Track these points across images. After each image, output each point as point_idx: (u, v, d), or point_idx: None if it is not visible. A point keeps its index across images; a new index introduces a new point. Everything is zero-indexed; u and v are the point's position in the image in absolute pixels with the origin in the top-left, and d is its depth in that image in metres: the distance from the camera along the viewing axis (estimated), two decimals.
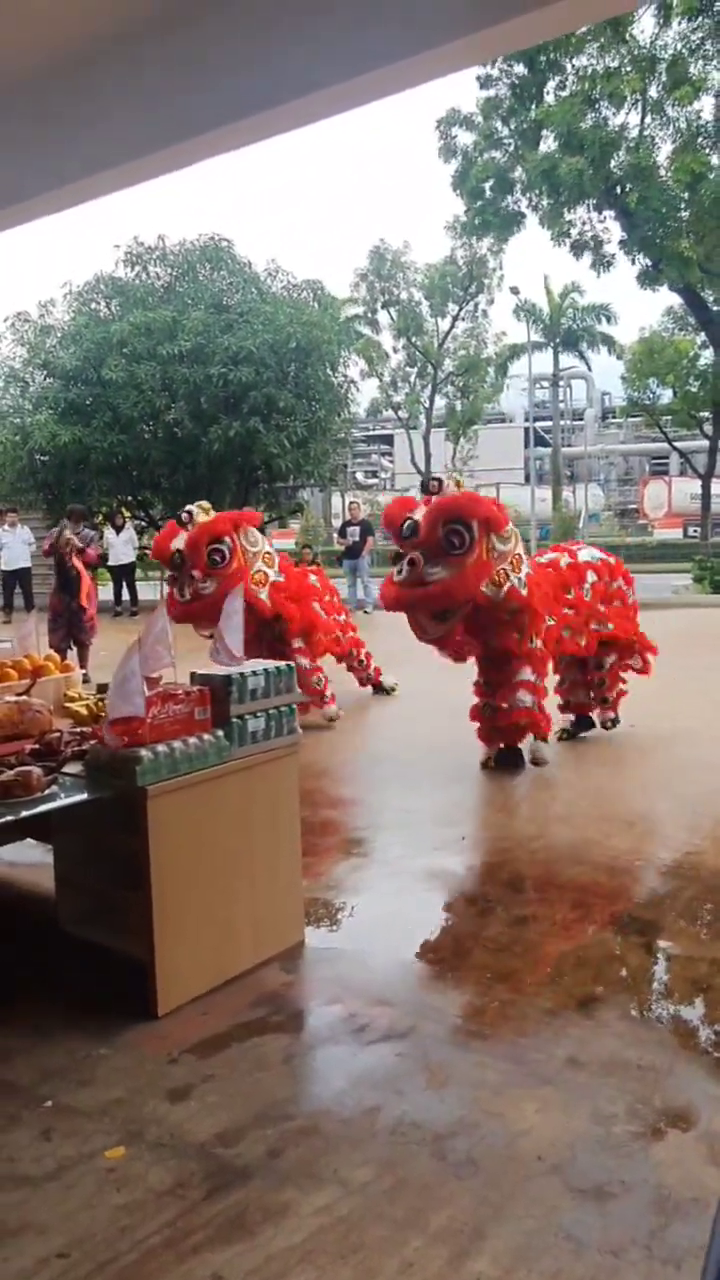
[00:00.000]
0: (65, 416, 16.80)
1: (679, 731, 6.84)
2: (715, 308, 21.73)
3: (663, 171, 18.79)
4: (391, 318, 30.89)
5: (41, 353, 17.73)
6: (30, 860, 4.40)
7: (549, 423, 36.41)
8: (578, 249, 20.73)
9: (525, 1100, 2.61)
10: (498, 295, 30.51)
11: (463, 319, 31.08)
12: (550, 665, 6.12)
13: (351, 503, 17.74)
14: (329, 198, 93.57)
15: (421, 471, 30.65)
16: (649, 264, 19.94)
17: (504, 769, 5.98)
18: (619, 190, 19.27)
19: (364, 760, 6.63)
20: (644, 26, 17.93)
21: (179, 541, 6.45)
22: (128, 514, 17.76)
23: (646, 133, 18.99)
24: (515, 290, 29.60)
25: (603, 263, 20.85)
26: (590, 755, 6.37)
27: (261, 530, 7.15)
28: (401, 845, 4.78)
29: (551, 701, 6.27)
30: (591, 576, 6.30)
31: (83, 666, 8.27)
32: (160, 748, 3.08)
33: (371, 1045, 2.91)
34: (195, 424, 16.77)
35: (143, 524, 19.14)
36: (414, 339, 31.10)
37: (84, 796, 3.05)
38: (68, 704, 4.25)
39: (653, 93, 18.48)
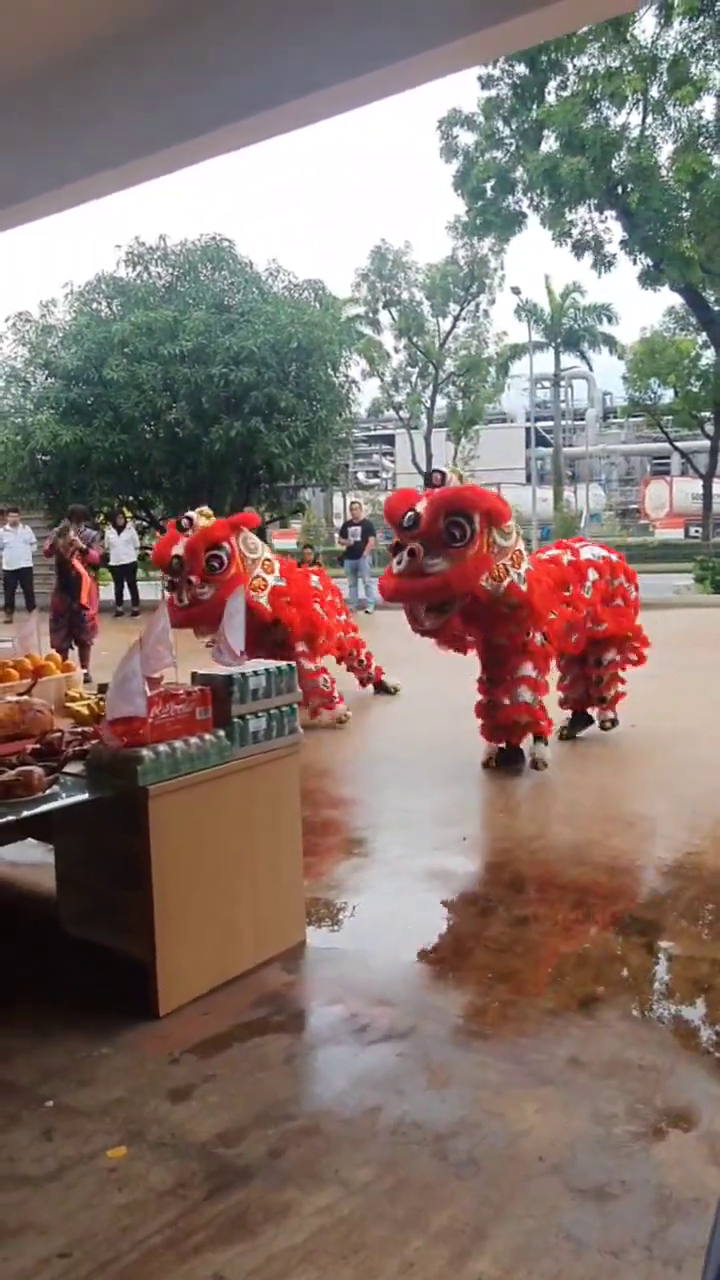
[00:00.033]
0: (67, 416, 16.81)
1: (679, 731, 6.84)
2: (716, 308, 21.71)
3: (664, 171, 18.78)
4: (393, 318, 30.86)
5: (43, 353, 17.75)
6: (31, 860, 4.40)
7: (550, 423, 36.46)
8: (579, 249, 20.72)
9: (526, 1100, 2.61)
10: (499, 295, 30.49)
11: (464, 319, 31.07)
12: (553, 662, 6.11)
13: (353, 503, 17.72)
14: (330, 198, 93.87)
15: (423, 471, 30.60)
16: (650, 264, 19.93)
17: (505, 769, 5.97)
18: (620, 190, 19.26)
19: (365, 760, 6.63)
20: (645, 26, 17.98)
21: (179, 547, 6.47)
22: (129, 514, 17.78)
23: (648, 133, 18.99)
24: (516, 290, 29.62)
25: (604, 263, 20.83)
26: (591, 755, 6.37)
27: (260, 533, 7.15)
28: (402, 845, 4.78)
29: (553, 698, 6.28)
30: (593, 574, 6.28)
31: (84, 666, 8.27)
32: (161, 747, 3.08)
33: (372, 1045, 2.91)
34: (196, 424, 16.77)
35: (144, 524, 19.16)
36: (415, 339, 31.07)
37: (85, 796, 3.05)
38: (69, 704, 4.26)
39: (654, 93, 18.47)
